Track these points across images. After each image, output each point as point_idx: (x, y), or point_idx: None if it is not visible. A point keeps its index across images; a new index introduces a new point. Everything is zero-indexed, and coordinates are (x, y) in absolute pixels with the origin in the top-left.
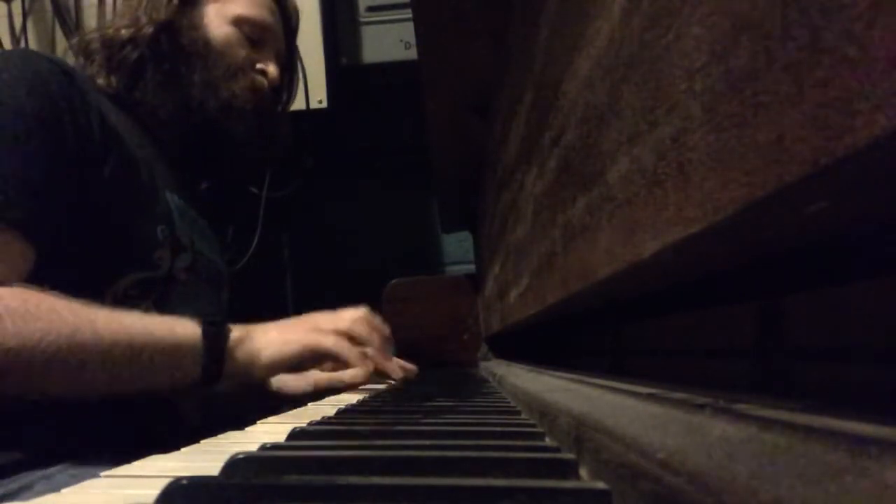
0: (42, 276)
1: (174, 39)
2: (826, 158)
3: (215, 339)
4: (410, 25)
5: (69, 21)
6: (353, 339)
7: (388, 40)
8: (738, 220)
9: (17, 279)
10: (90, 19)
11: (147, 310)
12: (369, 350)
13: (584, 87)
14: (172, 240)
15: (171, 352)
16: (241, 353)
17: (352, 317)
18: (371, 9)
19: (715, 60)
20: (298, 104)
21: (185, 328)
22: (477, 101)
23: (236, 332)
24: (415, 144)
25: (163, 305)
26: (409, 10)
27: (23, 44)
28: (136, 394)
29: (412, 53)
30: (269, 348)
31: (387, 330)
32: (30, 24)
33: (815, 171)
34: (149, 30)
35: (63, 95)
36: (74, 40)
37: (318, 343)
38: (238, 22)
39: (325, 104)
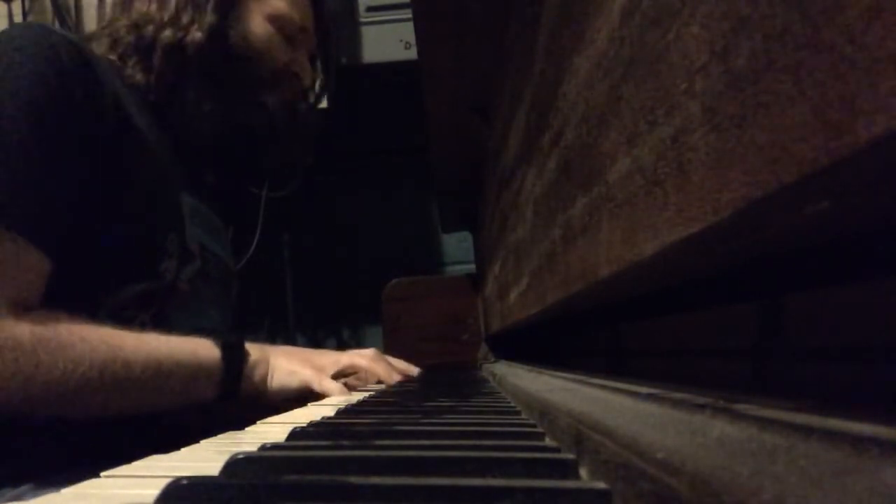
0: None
1: (221, 45)
2: (826, 158)
3: (233, 361)
4: (410, 25)
5: (69, 21)
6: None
7: (388, 40)
8: (738, 220)
9: (36, 294)
10: (90, 19)
11: (144, 324)
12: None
13: (584, 87)
14: (181, 250)
15: (193, 375)
16: (256, 376)
17: (350, 357)
18: (371, 9)
19: (715, 60)
20: None
21: (205, 350)
22: (477, 101)
23: (254, 353)
24: (415, 144)
25: (161, 319)
26: (409, 10)
27: None
28: (151, 412)
29: (412, 53)
30: (277, 374)
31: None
32: None
33: (815, 171)
34: (197, 35)
35: (76, 71)
36: (100, 28)
37: (310, 382)
38: (277, 20)
39: (325, 104)
